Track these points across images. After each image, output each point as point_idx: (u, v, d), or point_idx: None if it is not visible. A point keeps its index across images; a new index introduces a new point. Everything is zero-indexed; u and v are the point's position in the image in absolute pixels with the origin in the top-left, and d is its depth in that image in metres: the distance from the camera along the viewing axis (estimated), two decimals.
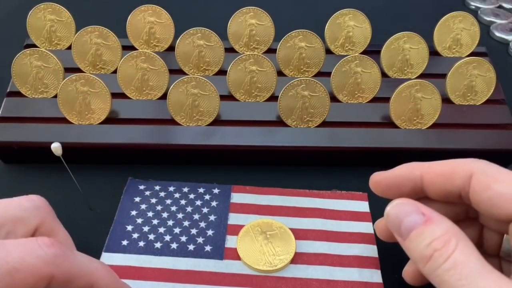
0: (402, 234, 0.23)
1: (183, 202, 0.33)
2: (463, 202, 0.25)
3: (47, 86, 0.38)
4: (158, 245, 0.30)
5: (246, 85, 0.38)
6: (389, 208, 0.24)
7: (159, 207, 0.33)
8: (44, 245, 0.21)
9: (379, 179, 0.26)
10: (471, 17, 0.43)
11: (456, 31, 0.43)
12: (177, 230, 0.31)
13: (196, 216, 0.32)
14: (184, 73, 0.40)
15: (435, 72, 0.41)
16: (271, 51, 0.42)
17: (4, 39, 0.48)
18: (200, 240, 0.31)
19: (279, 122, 0.37)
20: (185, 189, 0.34)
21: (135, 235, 0.31)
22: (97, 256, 0.30)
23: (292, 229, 0.31)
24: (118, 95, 0.37)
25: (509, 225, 0.22)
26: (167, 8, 0.42)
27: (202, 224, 0.32)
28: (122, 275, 0.29)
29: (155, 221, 0.32)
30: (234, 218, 0.32)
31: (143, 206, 0.33)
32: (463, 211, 0.26)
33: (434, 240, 0.21)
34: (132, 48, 0.42)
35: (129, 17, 0.42)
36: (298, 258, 0.30)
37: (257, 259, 0.29)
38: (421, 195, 0.26)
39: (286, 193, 0.34)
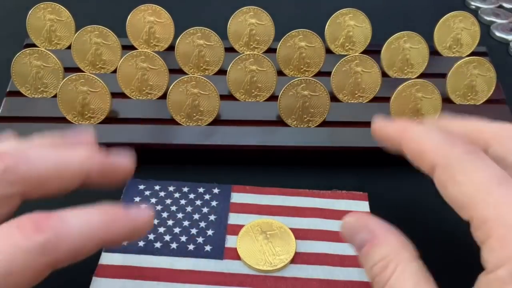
0: (355, 250, 0.23)
1: (183, 202, 0.33)
2: None
3: (46, 85, 0.38)
4: (157, 244, 0.30)
5: (246, 85, 0.38)
6: (342, 223, 0.23)
7: (159, 207, 0.33)
8: (30, 231, 0.17)
9: (377, 126, 0.26)
10: (471, 16, 0.43)
11: (456, 31, 0.43)
12: (177, 230, 0.31)
13: (196, 216, 0.32)
14: (184, 73, 0.40)
15: (436, 71, 0.41)
16: (271, 50, 0.42)
17: (4, 39, 0.48)
18: (200, 240, 0.31)
19: (279, 122, 0.37)
20: (185, 189, 0.34)
21: None
22: (97, 256, 0.30)
23: (292, 229, 0.31)
24: (118, 95, 0.37)
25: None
26: (167, 8, 0.42)
27: (202, 224, 0.32)
28: (122, 275, 0.29)
29: (155, 221, 0.32)
30: (234, 218, 0.32)
31: (143, 206, 0.33)
32: None
33: (374, 265, 0.21)
34: (132, 47, 0.42)
35: (129, 17, 0.42)
36: (298, 258, 0.30)
37: (257, 259, 0.29)
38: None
39: (286, 193, 0.34)
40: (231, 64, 0.38)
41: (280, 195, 0.34)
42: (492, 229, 0.18)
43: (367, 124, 0.37)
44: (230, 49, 0.42)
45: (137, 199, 0.33)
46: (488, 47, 0.45)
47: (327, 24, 0.43)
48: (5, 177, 0.19)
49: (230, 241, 0.31)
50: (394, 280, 0.20)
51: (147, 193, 0.33)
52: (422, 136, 0.22)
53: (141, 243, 0.30)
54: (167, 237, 0.31)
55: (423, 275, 0.20)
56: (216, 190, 0.34)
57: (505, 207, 0.18)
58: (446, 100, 0.38)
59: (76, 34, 0.39)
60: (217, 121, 0.36)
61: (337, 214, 0.33)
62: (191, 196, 0.33)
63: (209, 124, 0.36)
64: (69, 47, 0.41)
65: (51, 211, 0.19)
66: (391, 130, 0.24)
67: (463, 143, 0.21)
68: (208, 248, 0.30)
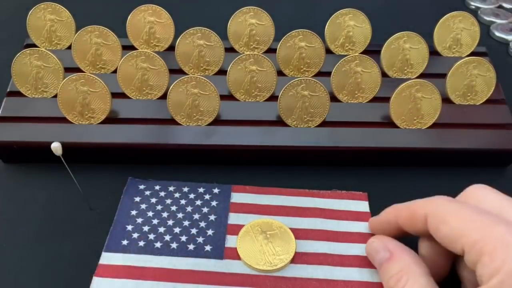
0: (377, 268, 0.28)
1: (183, 201, 0.33)
2: None
3: (47, 85, 0.38)
4: (158, 244, 0.30)
5: (246, 85, 0.38)
6: (366, 246, 0.29)
7: (159, 207, 0.33)
8: None
9: (371, 226, 0.31)
10: (471, 17, 0.43)
11: (456, 31, 0.43)
12: (177, 230, 0.31)
13: (196, 216, 0.32)
14: (184, 73, 0.40)
15: (435, 72, 0.41)
16: (271, 51, 0.42)
17: (4, 39, 0.48)
18: (200, 239, 0.31)
19: (279, 122, 0.37)
20: (185, 189, 0.34)
21: (135, 235, 0.31)
22: (97, 256, 0.30)
23: (292, 229, 0.31)
24: (118, 95, 0.37)
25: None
26: (167, 8, 0.42)
27: (202, 224, 0.32)
28: (122, 274, 0.29)
29: (155, 221, 0.32)
30: (234, 218, 0.32)
31: (143, 206, 0.33)
32: None
33: (390, 278, 0.25)
34: (132, 48, 0.42)
35: (129, 17, 0.42)
36: (298, 258, 0.30)
37: (257, 259, 0.29)
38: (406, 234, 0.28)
39: (286, 193, 0.34)
40: (231, 64, 0.38)
41: (280, 195, 0.34)
42: (482, 248, 0.22)
43: (367, 124, 0.37)
44: (230, 49, 0.42)
45: (137, 199, 0.33)
46: (488, 47, 0.45)
47: (327, 24, 0.43)
48: None
49: (230, 241, 0.31)
50: None
51: (147, 193, 0.34)
52: (411, 203, 0.27)
53: (141, 243, 0.30)
54: (167, 237, 0.31)
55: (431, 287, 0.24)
56: (216, 190, 0.34)
57: (489, 228, 0.22)
58: (446, 100, 0.38)
59: (76, 34, 0.39)
60: (217, 121, 0.36)
61: (337, 214, 0.33)
62: (191, 196, 0.33)
63: (209, 124, 0.36)
64: (69, 47, 0.41)
65: None
66: (384, 217, 0.29)
67: (444, 196, 0.26)
68: (208, 248, 0.30)
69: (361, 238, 0.31)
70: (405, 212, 0.27)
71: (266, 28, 0.42)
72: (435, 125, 0.37)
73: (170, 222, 0.32)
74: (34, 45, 0.42)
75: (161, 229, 0.31)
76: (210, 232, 0.31)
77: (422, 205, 0.26)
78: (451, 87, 0.39)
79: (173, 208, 0.33)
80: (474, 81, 0.38)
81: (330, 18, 0.43)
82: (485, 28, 0.52)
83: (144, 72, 0.38)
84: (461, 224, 0.23)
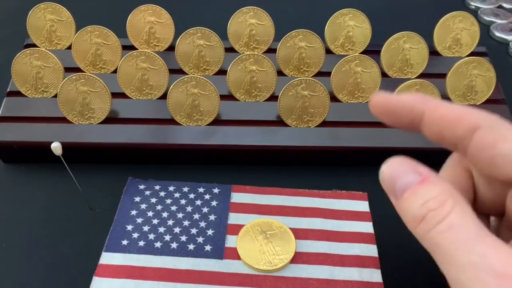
0: (396, 194, 0.21)
1: (183, 201, 0.33)
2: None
3: (47, 85, 0.38)
4: (158, 244, 0.30)
5: (246, 85, 0.38)
6: (384, 167, 0.22)
7: (159, 207, 0.33)
8: None
9: (380, 100, 0.24)
10: (471, 17, 0.43)
11: (456, 31, 0.43)
12: (177, 230, 0.31)
13: (196, 216, 0.32)
14: (184, 73, 0.40)
15: (435, 72, 0.41)
16: (271, 51, 0.42)
17: (4, 39, 0.48)
18: (200, 239, 0.31)
19: (279, 122, 0.37)
20: (185, 189, 0.34)
21: (135, 235, 0.31)
22: (97, 256, 0.30)
23: (292, 229, 0.31)
24: (118, 95, 0.37)
25: (507, 189, 0.21)
26: (167, 8, 0.42)
27: (202, 224, 0.32)
28: (122, 274, 0.29)
29: (155, 221, 0.32)
30: (234, 218, 0.32)
31: (143, 206, 0.33)
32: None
33: (429, 200, 0.20)
34: (132, 47, 0.42)
35: (129, 17, 0.42)
36: (298, 258, 0.30)
37: (257, 259, 0.30)
38: (415, 130, 0.23)
39: (286, 193, 0.34)
40: (231, 64, 0.38)
41: (280, 195, 0.34)
42: None
43: (367, 124, 0.37)
44: (230, 49, 0.42)
45: (137, 199, 0.33)
46: (488, 47, 0.45)
47: (327, 24, 0.43)
48: None
49: (230, 241, 0.31)
50: (455, 216, 0.19)
51: (147, 193, 0.34)
52: (452, 104, 0.22)
53: (141, 243, 0.30)
54: (167, 237, 0.31)
55: (478, 219, 0.19)
56: (216, 190, 0.34)
57: None
58: (446, 100, 0.38)
59: (76, 34, 0.39)
60: (217, 121, 0.36)
61: (337, 214, 0.33)
62: (191, 196, 0.33)
63: (209, 124, 0.36)
64: (69, 47, 0.41)
65: None
66: (405, 99, 0.23)
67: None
68: (208, 248, 0.30)
69: (361, 238, 0.31)
70: (444, 110, 0.22)
71: (266, 28, 0.42)
72: None
73: (170, 222, 0.32)
74: (34, 45, 0.42)
75: (161, 229, 0.31)
76: (210, 232, 0.31)
77: (474, 112, 0.21)
78: (451, 87, 0.39)
79: (173, 208, 0.33)
80: (474, 81, 0.38)
81: (330, 18, 0.43)
82: (485, 28, 0.52)
83: (144, 72, 0.38)
84: None
